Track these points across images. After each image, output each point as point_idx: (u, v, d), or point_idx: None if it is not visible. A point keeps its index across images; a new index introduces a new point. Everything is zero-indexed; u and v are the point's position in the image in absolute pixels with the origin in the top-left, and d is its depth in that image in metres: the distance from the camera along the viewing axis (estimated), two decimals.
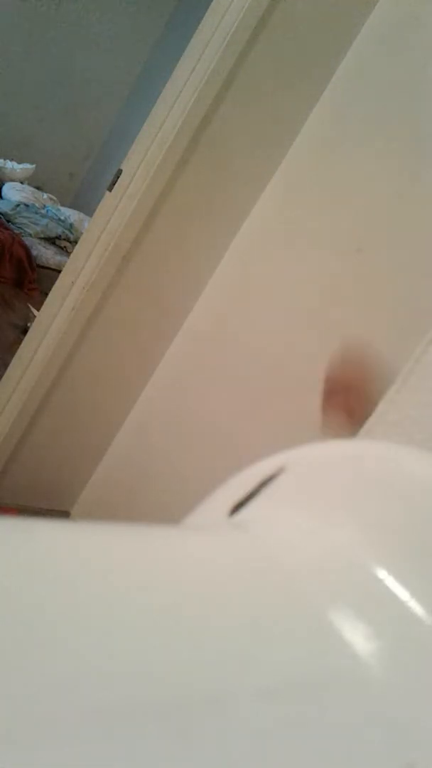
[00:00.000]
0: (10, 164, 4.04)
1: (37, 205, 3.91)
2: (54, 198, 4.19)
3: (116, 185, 1.54)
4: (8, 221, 3.64)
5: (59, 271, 1.71)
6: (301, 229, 1.47)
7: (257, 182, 1.56)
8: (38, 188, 4.15)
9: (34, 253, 3.52)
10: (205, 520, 0.21)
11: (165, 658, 0.12)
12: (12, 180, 4.04)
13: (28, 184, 4.13)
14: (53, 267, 3.50)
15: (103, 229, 1.53)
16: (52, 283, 1.67)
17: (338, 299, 1.33)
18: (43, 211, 3.88)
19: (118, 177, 1.53)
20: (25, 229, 3.62)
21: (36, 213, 3.81)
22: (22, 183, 4.08)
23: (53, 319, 1.60)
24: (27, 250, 3.45)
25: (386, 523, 0.16)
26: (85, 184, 4.47)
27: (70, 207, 4.24)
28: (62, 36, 3.93)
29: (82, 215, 4.03)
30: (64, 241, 3.78)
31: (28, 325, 2.30)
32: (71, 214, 4.00)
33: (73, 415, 1.71)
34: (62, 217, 3.91)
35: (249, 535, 0.17)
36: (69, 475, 1.81)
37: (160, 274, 1.61)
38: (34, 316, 1.83)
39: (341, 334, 1.32)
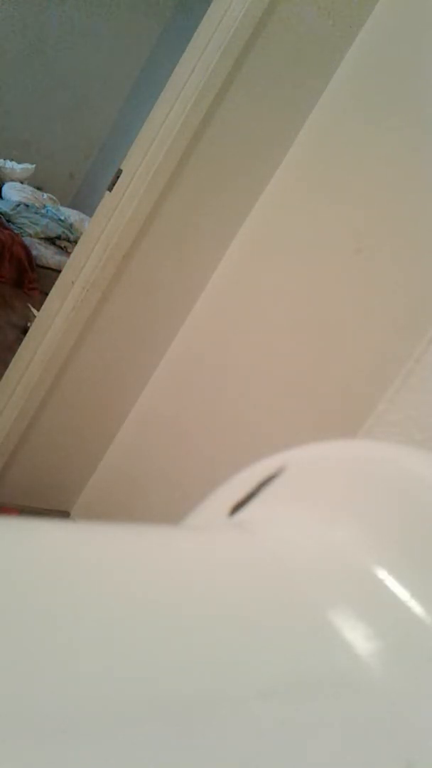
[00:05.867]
0: (10, 164, 4.04)
1: (37, 205, 3.91)
2: (54, 198, 4.19)
3: (116, 185, 1.54)
4: (8, 221, 3.64)
5: (59, 271, 1.71)
6: (301, 229, 1.47)
7: (257, 182, 1.56)
8: (38, 188, 4.15)
9: (34, 253, 3.52)
10: (205, 520, 0.21)
11: (165, 657, 0.12)
12: (12, 180, 4.04)
13: (28, 184, 4.13)
14: (53, 267, 3.50)
15: (103, 229, 1.53)
16: (52, 283, 1.67)
17: (338, 300, 1.33)
18: (43, 211, 3.88)
19: (118, 177, 1.53)
20: (25, 229, 3.62)
21: (36, 213, 3.81)
22: (22, 183, 4.08)
23: (53, 319, 1.60)
24: (27, 250, 3.45)
25: (386, 524, 0.16)
26: (85, 184, 4.47)
27: (70, 207, 4.23)
28: (62, 36, 3.93)
29: (82, 215, 4.03)
30: (64, 241, 3.78)
31: (28, 325, 2.30)
32: (71, 214, 4.00)
33: (73, 415, 1.71)
34: (62, 217, 3.91)
35: (249, 535, 0.17)
36: (69, 475, 1.81)
37: (161, 273, 1.61)
38: (34, 316, 1.83)
39: (341, 334, 1.32)
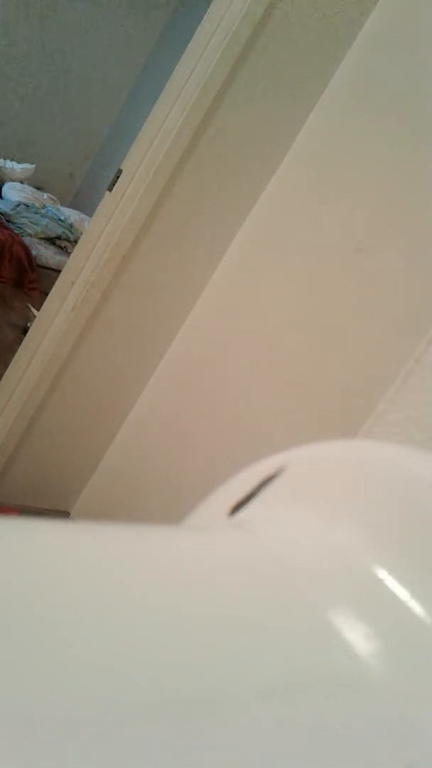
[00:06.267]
0: (10, 164, 4.04)
1: (37, 205, 3.91)
2: (54, 198, 4.19)
3: (116, 185, 1.54)
4: (8, 221, 3.64)
5: (59, 271, 1.71)
6: (301, 229, 1.47)
7: (257, 182, 1.56)
8: (38, 188, 4.15)
9: (34, 253, 3.52)
10: (205, 520, 0.21)
11: (165, 658, 0.12)
12: (12, 180, 4.05)
13: (28, 184, 4.13)
14: (53, 267, 3.51)
15: (103, 229, 1.53)
16: (52, 283, 1.67)
17: (338, 299, 1.33)
18: (43, 211, 3.88)
19: (118, 177, 1.53)
20: (25, 229, 3.62)
21: (36, 213, 3.81)
22: (22, 183, 4.08)
23: (53, 319, 1.60)
24: (27, 250, 3.45)
25: (386, 524, 0.16)
26: (85, 184, 4.47)
27: (70, 207, 4.24)
28: (62, 36, 3.93)
29: (82, 215, 4.03)
30: (64, 241, 3.78)
31: (28, 325, 2.30)
32: (71, 214, 4.00)
33: (73, 415, 1.71)
34: (62, 217, 3.91)
35: (249, 535, 0.17)
36: (69, 475, 1.81)
37: (161, 273, 1.61)
38: (34, 316, 1.83)
39: (341, 334, 1.32)
